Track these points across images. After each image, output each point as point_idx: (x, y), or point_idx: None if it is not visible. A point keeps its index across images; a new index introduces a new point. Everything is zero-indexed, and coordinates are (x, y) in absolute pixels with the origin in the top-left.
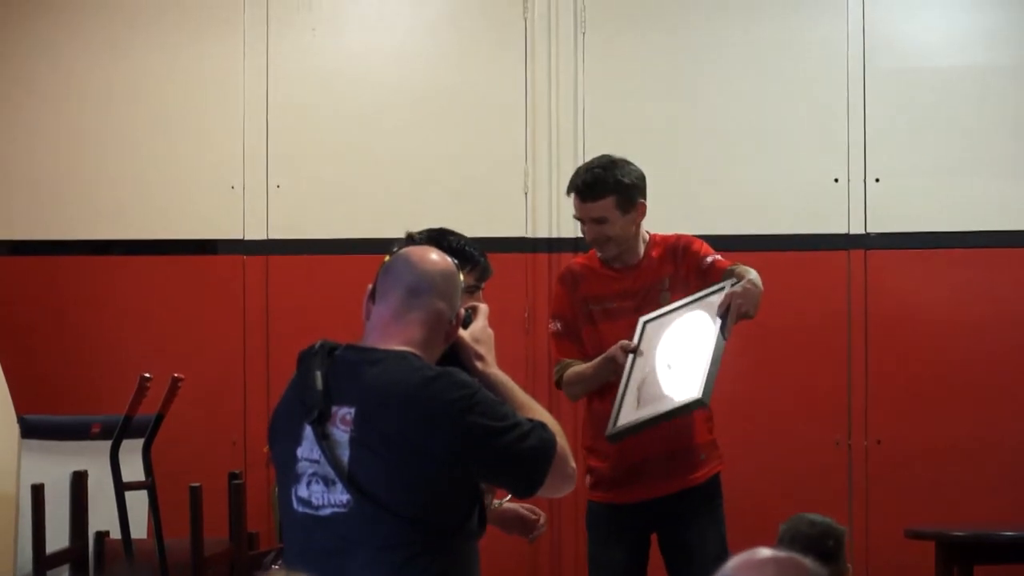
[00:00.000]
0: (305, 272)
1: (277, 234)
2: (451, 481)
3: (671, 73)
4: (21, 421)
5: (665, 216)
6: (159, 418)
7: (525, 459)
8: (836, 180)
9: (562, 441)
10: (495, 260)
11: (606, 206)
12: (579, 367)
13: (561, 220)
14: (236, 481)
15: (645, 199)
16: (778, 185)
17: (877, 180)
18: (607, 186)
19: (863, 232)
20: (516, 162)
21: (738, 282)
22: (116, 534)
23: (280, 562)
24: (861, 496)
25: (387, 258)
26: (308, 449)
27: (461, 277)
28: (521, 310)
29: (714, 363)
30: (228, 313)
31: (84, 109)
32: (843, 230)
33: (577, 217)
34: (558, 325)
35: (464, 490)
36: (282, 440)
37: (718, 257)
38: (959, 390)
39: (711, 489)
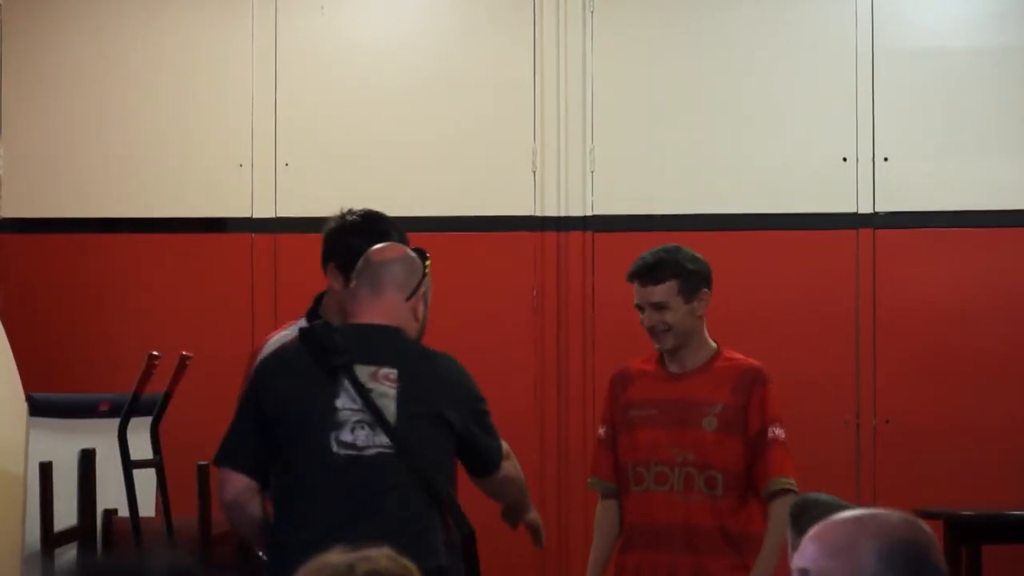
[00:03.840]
0: (313, 250)
1: (285, 212)
2: (453, 442)
3: (679, 53)
4: (29, 399)
5: (673, 195)
6: (167, 396)
7: (496, 447)
8: (844, 159)
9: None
10: (503, 239)
11: (667, 290)
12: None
13: (569, 199)
14: None
15: (710, 290)
16: (786, 164)
17: (886, 159)
18: (669, 268)
19: (872, 212)
20: (524, 141)
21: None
22: (124, 512)
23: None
24: (869, 476)
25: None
26: (349, 400)
27: (423, 264)
28: (529, 289)
29: None
30: (236, 291)
31: (92, 88)
32: (851, 209)
33: (636, 304)
34: (601, 431)
35: (454, 458)
36: (306, 393)
37: (781, 434)
38: (968, 370)
39: None
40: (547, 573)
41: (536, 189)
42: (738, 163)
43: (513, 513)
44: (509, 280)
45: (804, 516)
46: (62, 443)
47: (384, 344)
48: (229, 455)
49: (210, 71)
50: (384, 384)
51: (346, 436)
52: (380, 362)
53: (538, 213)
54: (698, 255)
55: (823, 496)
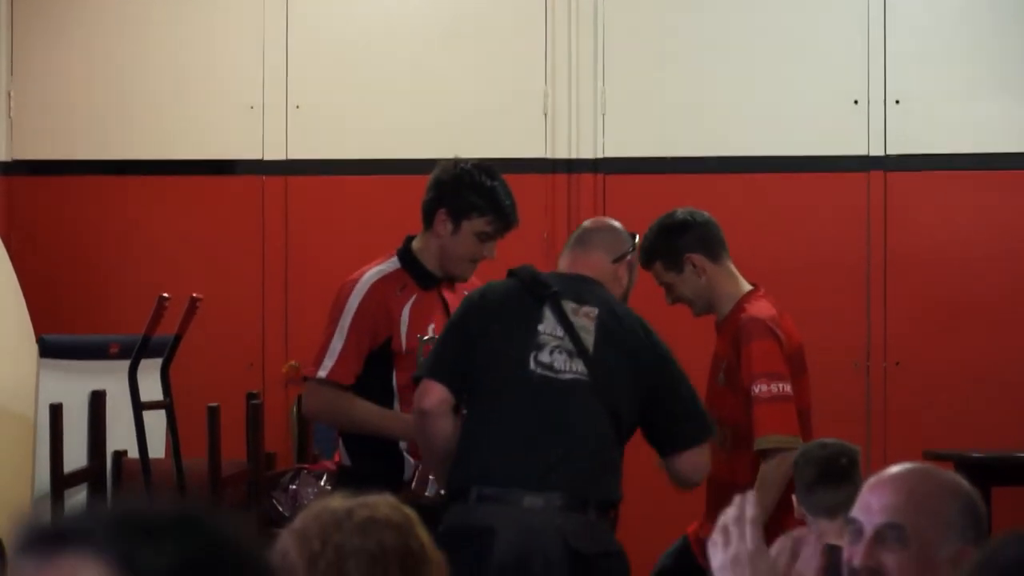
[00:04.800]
0: (324, 192)
1: (296, 155)
2: (640, 398)
3: None
4: (40, 341)
5: (684, 138)
6: (177, 338)
7: (698, 411)
8: (856, 102)
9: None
10: (514, 181)
11: (659, 272)
12: None
13: (580, 141)
14: (254, 401)
15: (701, 250)
16: (798, 107)
17: (897, 102)
18: (649, 254)
19: (883, 154)
20: (536, 83)
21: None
22: (134, 454)
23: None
24: (880, 418)
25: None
26: (551, 327)
27: (630, 240)
28: (539, 231)
29: None
30: (246, 234)
31: (103, 30)
32: (863, 152)
33: None
34: None
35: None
36: (512, 317)
37: (764, 391)
38: (978, 312)
39: None
40: None
41: (547, 132)
42: (749, 106)
43: None
44: (520, 222)
45: (801, 465)
46: (72, 385)
47: (588, 289)
48: (433, 368)
49: (220, 12)
50: (585, 320)
51: (544, 357)
52: (583, 301)
53: (549, 155)
54: (681, 218)
55: (822, 442)
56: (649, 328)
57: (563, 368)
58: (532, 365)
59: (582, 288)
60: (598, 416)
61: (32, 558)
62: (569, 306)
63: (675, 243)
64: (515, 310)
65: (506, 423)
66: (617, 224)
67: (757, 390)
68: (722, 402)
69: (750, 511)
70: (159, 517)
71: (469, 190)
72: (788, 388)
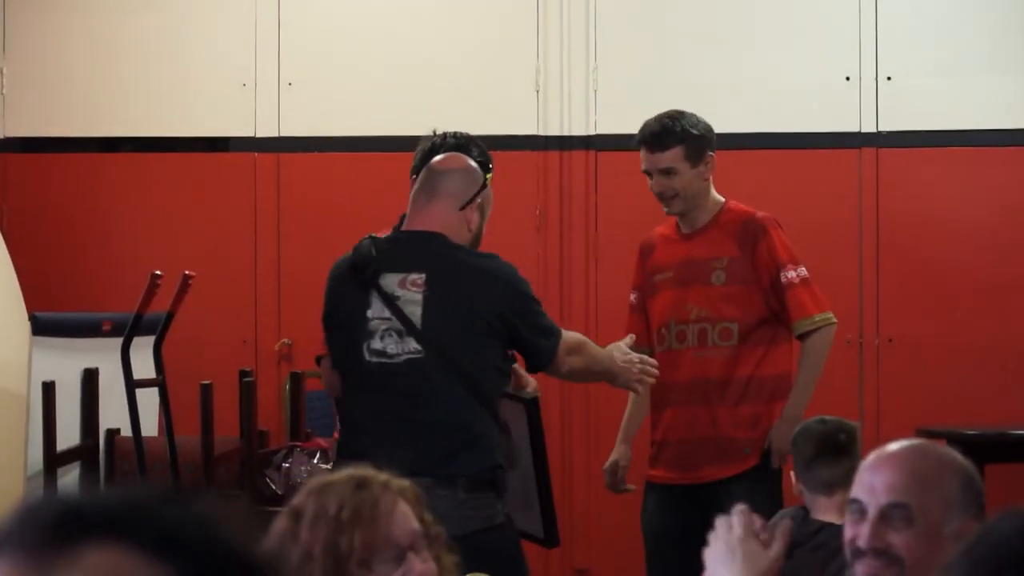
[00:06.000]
0: (316, 170)
1: (288, 132)
2: (498, 339)
3: None
4: (32, 318)
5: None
6: (170, 316)
7: (545, 322)
8: (847, 78)
9: (571, 336)
10: (506, 158)
11: (674, 156)
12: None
13: (572, 118)
14: (247, 379)
15: (714, 153)
16: (789, 83)
17: (889, 78)
18: (675, 135)
19: (875, 131)
20: (528, 60)
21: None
22: (127, 431)
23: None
24: (872, 395)
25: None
26: (378, 309)
27: (484, 175)
28: (532, 208)
29: (545, 499)
30: (239, 211)
31: (96, 6)
32: (854, 128)
33: (645, 170)
34: (632, 298)
35: (502, 355)
36: (344, 305)
37: (795, 276)
38: (971, 288)
39: (751, 479)
40: None
41: (539, 108)
42: (741, 82)
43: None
44: (512, 199)
45: (800, 442)
46: (65, 362)
47: (419, 250)
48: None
49: None
50: (411, 290)
51: (376, 344)
52: (410, 268)
53: (541, 132)
54: (702, 119)
55: (821, 418)
56: (498, 267)
57: (396, 351)
58: (367, 355)
59: (412, 251)
60: (446, 388)
61: (38, 549)
62: (393, 280)
63: (705, 137)
64: (348, 297)
65: (362, 417)
66: (468, 162)
67: (787, 276)
68: (726, 301)
69: (739, 506)
70: (180, 505)
71: (430, 153)
72: (806, 271)
